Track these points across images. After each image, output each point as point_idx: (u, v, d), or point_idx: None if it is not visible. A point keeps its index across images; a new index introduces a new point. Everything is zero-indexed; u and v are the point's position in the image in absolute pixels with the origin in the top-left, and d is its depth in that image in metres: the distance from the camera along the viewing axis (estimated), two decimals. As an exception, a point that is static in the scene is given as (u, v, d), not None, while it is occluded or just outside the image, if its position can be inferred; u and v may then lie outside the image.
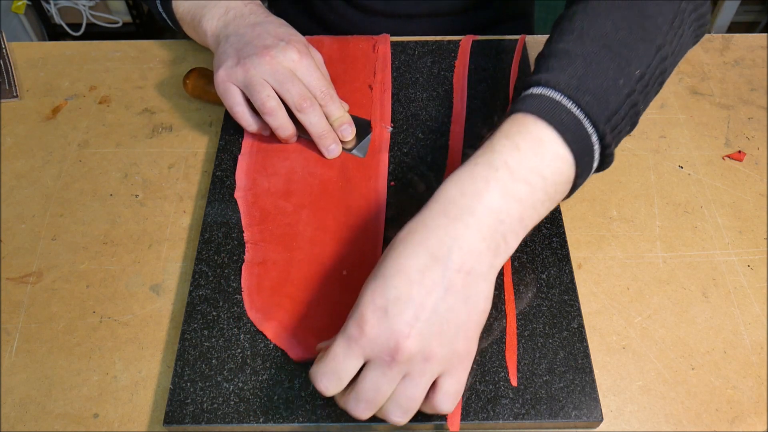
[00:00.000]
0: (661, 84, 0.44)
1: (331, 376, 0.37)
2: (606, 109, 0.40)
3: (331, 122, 0.55)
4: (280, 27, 0.56)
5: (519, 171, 0.38)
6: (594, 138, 0.40)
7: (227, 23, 0.57)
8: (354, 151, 0.57)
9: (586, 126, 0.40)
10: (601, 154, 0.41)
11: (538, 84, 0.41)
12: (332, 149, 0.56)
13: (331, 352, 0.37)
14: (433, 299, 0.36)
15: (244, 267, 0.49)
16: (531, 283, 0.48)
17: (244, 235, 0.51)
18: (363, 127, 0.58)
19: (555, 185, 0.40)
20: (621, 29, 0.42)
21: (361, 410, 0.37)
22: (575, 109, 0.39)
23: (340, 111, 0.56)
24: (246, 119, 0.55)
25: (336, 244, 0.50)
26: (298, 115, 0.53)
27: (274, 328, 0.46)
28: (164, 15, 0.62)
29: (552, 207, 0.41)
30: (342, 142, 0.56)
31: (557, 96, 0.40)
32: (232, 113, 0.55)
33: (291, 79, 0.52)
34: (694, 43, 0.48)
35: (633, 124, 0.43)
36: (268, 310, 0.47)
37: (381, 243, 0.50)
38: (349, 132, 0.56)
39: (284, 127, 0.54)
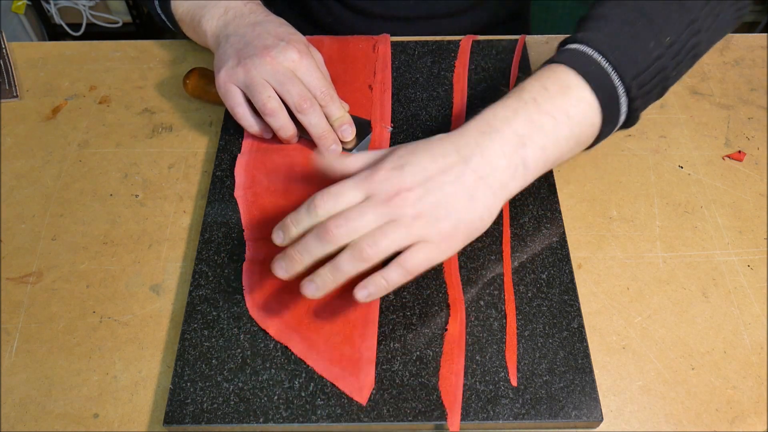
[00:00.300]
0: (693, 58, 0.47)
1: (330, 196, 0.41)
2: (634, 66, 0.44)
3: (331, 122, 0.55)
4: (280, 26, 0.55)
5: (544, 106, 0.43)
6: (621, 90, 0.44)
7: (227, 23, 0.57)
8: (354, 152, 0.56)
9: (614, 78, 0.44)
10: (628, 110, 0.45)
11: (573, 41, 0.46)
12: (332, 149, 0.56)
13: (338, 184, 0.42)
14: (444, 179, 0.41)
15: (244, 266, 0.50)
16: (531, 283, 0.48)
17: (244, 233, 0.52)
18: (363, 127, 0.58)
19: (580, 125, 0.43)
20: (657, 1, 0.46)
21: (334, 225, 0.40)
22: (604, 62, 0.44)
23: (340, 111, 0.55)
24: (248, 120, 0.55)
25: None
26: (298, 116, 0.53)
27: (277, 325, 0.46)
28: (163, 17, 0.62)
29: (576, 149, 0.45)
30: (342, 142, 0.56)
31: (589, 51, 0.44)
32: (234, 115, 0.55)
33: (291, 79, 0.52)
34: (733, 26, 0.51)
35: (661, 91, 0.47)
36: (270, 308, 0.47)
37: None
38: (350, 132, 0.56)
39: (285, 127, 0.54)
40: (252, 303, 0.48)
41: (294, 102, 0.52)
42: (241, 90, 0.53)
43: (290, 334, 0.46)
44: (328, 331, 0.46)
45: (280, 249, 0.50)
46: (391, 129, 0.59)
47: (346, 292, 0.47)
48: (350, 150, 0.57)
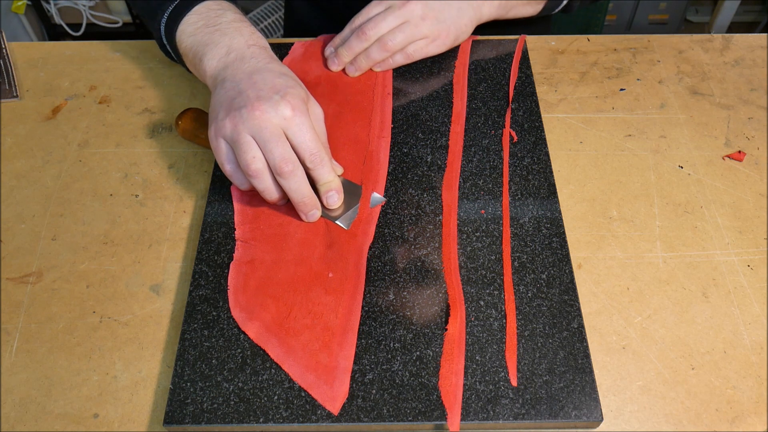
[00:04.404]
0: None
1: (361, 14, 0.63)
2: None
3: (317, 187, 0.51)
4: (279, 77, 0.51)
5: None
6: None
7: (227, 65, 0.53)
8: (338, 221, 0.52)
9: None
10: None
11: None
12: (311, 215, 0.51)
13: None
14: None
15: (232, 265, 0.49)
16: (531, 283, 0.48)
17: (235, 233, 0.51)
18: (353, 193, 0.53)
19: None
20: None
21: (368, 28, 0.61)
22: None
23: (329, 176, 0.51)
24: (237, 178, 0.51)
25: (324, 248, 0.50)
26: (278, 179, 0.49)
27: (257, 328, 0.46)
28: (168, 48, 0.60)
29: (528, 7, 0.68)
30: (327, 209, 0.52)
31: None
32: (224, 172, 0.51)
33: (276, 138, 0.48)
34: None
35: None
36: (252, 310, 0.47)
37: (367, 248, 0.50)
38: (335, 200, 0.52)
39: (269, 191, 0.50)
40: (235, 303, 0.47)
41: (275, 164, 0.48)
42: (230, 145, 0.49)
43: (269, 338, 0.45)
44: (307, 338, 0.45)
45: (269, 249, 0.50)
46: (384, 200, 0.54)
47: (327, 296, 0.47)
48: (334, 218, 0.52)
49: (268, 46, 0.56)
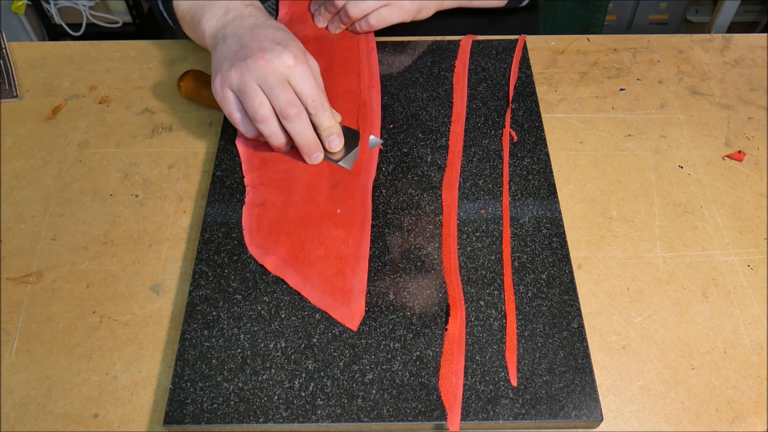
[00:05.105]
0: None
1: None
2: None
3: (319, 132, 0.54)
4: (278, 31, 0.54)
5: None
6: None
7: (226, 24, 0.56)
8: (341, 163, 0.55)
9: None
10: None
11: None
12: (315, 157, 0.55)
13: None
14: None
15: (244, 208, 0.52)
16: (531, 283, 0.48)
17: (244, 179, 0.54)
18: (352, 138, 0.56)
19: None
20: None
21: None
22: None
23: (330, 121, 0.54)
24: (244, 126, 0.54)
25: (330, 188, 0.53)
26: (284, 123, 0.52)
27: (274, 261, 0.49)
28: (165, 14, 0.62)
29: None
30: (329, 152, 0.55)
31: None
32: (231, 120, 0.54)
33: (281, 84, 0.51)
34: None
35: None
36: (268, 246, 0.50)
37: (371, 184, 0.54)
38: (337, 143, 0.55)
39: (276, 135, 0.53)
40: (251, 241, 0.50)
41: (280, 108, 0.51)
42: (236, 95, 0.52)
43: (286, 269, 0.49)
44: (322, 266, 0.49)
45: (278, 192, 0.53)
46: (381, 142, 0.58)
47: (336, 229, 0.51)
48: (337, 161, 0.55)
49: (262, 6, 0.59)
